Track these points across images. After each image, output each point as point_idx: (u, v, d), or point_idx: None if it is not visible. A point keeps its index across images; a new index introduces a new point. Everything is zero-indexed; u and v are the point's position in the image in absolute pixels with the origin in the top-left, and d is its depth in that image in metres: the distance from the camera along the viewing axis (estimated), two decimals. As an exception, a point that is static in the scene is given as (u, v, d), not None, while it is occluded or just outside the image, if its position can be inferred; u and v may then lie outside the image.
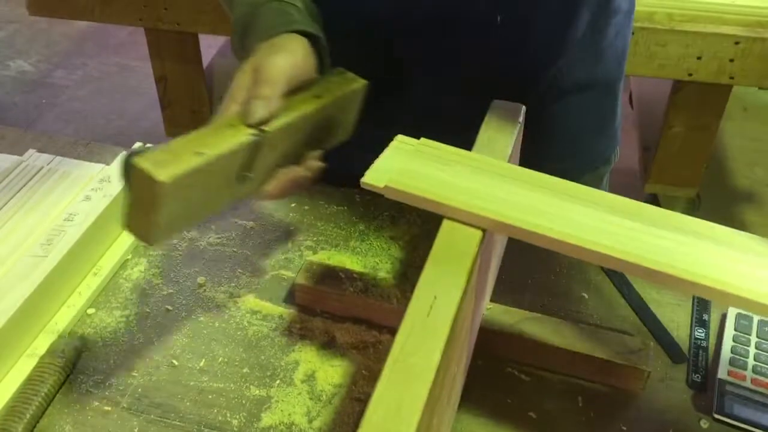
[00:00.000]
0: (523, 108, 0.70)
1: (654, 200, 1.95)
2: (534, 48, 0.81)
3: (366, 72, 0.72)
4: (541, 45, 0.81)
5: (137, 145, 0.64)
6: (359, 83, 0.70)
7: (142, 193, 0.56)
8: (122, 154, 0.59)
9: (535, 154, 0.73)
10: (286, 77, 0.63)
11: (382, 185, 0.58)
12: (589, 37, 0.82)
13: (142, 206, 0.56)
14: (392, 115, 0.77)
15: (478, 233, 0.57)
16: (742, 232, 0.56)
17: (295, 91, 0.65)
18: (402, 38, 0.79)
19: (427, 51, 0.80)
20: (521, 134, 0.71)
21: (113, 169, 0.84)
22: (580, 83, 0.86)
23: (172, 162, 0.55)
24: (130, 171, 0.55)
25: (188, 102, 2.09)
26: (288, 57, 0.64)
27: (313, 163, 0.68)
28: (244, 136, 0.60)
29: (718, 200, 2.15)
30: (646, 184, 1.95)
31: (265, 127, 0.60)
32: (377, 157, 0.61)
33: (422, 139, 0.63)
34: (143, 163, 0.54)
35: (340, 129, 0.71)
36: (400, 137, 0.64)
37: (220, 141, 0.58)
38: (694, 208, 1.92)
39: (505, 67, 0.80)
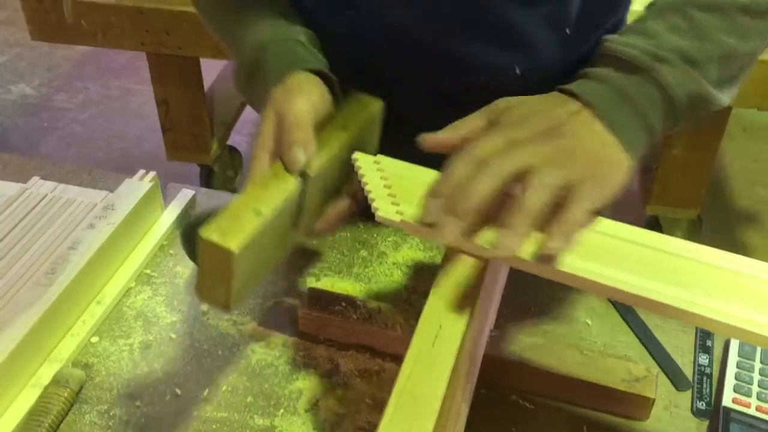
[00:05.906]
0: None
1: (655, 222, 1.95)
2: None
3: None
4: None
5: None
6: (376, 104, 0.70)
7: (213, 264, 0.55)
8: (184, 226, 0.59)
9: None
10: (311, 118, 0.63)
11: (398, 220, 0.58)
12: None
13: (215, 276, 0.55)
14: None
15: (482, 262, 0.57)
16: (747, 259, 0.56)
17: (320, 127, 0.65)
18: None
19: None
20: None
21: (117, 197, 0.85)
22: None
23: (236, 228, 0.54)
24: (195, 243, 0.55)
25: (189, 125, 2.10)
26: (306, 98, 0.64)
27: (352, 191, 0.68)
28: (292, 184, 0.59)
29: (719, 221, 2.16)
30: (647, 206, 1.94)
31: (309, 171, 0.60)
32: None
33: (379, 156, 0.64)
34: (212, 235, 0.53)
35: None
36: (357, 155, 0.65)
37: (272, 194, 0.58)
38: (695, 229, 1.92)
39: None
